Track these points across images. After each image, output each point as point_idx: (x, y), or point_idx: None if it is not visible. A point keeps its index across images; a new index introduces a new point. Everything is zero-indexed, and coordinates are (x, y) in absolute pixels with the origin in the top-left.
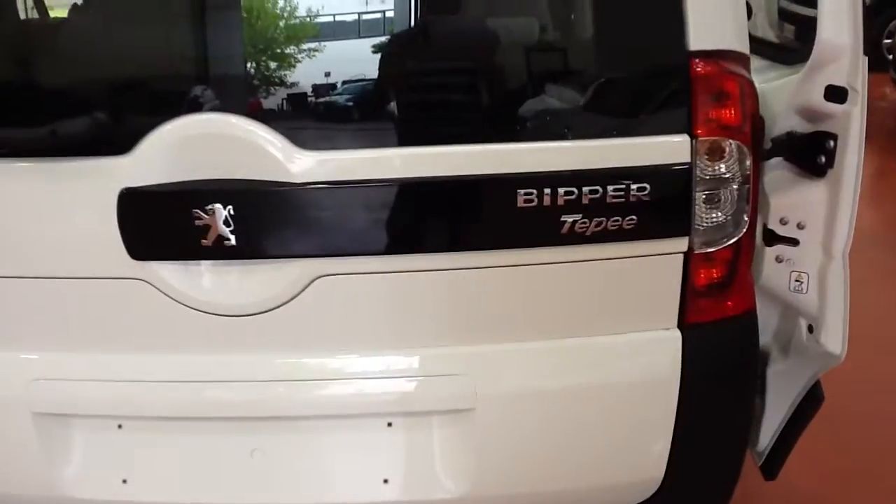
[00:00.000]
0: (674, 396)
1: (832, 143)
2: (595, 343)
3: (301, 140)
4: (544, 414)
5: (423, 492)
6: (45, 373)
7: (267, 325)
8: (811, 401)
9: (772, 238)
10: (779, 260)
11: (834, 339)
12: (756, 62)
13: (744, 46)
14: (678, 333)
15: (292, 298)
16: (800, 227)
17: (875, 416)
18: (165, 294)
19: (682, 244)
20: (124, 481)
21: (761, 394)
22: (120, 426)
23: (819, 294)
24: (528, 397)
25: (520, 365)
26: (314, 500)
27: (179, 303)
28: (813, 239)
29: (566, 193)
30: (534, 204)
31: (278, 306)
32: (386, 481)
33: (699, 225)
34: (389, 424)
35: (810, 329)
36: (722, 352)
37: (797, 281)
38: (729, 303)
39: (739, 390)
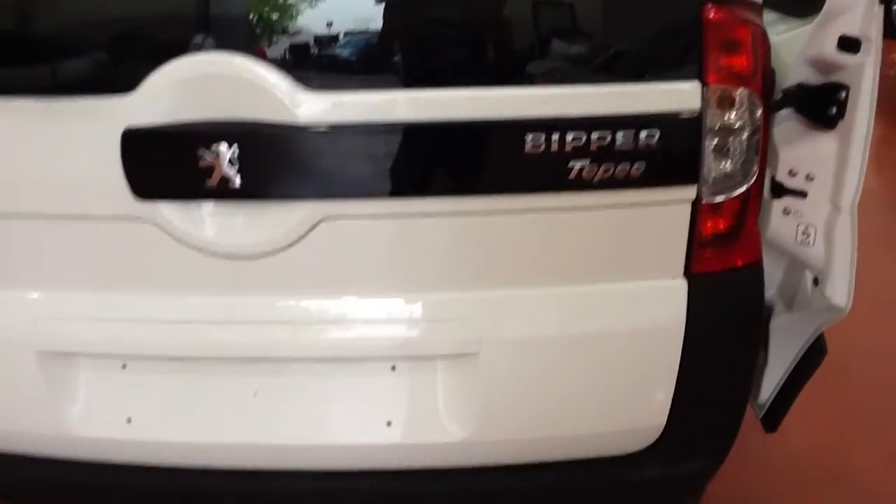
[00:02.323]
0: (678, 345)
1: (844, 94)
2: (600, 290)
3: (306, 81)
4: (548, 360)
5: (426, 435)
6: (50, 312)
7: (271, 267)
8: (814, 354)
9: (780, 190)
10: (786, 212)
11: (839, 292)
12: (767, 15)
13: None
14: (684, 283)
15: (296, 241)
16: (808, 179)
17: (877, 379)
18: (169, 234)
19: (690, 192)
20: (129, 420)
21: (764, 347)
22: (124, 366)
23: (826, 247)
24: (533, 343)
25: (524, 311)
26: (316, 442)
27: (183, 243)
28: (821, 191)
29: (574, 139)
30: (541, 149)
31: (282, 249)
32: (389, 424)
33: (708, 174)
34: (393, 368)
35: (815, 282)
36: (727, 302)
37: (804, 234)
38: (735, 253)
39: (743, 341)
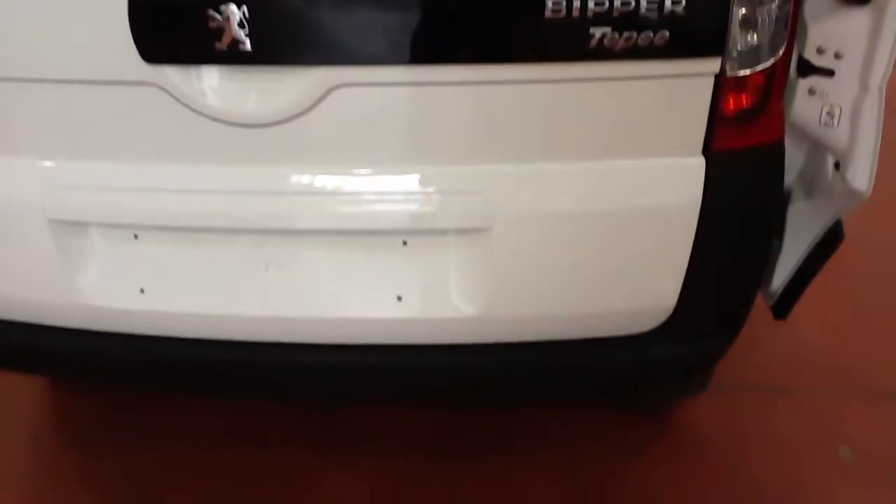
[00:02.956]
0: (692, 225)
1: None
2: (616, 167)
3: None
4: (561, 237)
5: (437, 310)
6: (60, 179)
7: (283, 136)
8: (831, 239)
9: (806, 69)
10: (811, 92)
11: (861, 175)
12: None
13: None
14: (702, 160)
15: (309, 109)
16: (837, 56)
17: (889, 275)
18: (179, 100)
19: (714, 65)
20: (142, 291)
21: (779, 234)
22: (136, 236)
23: (850, 128)
24: (546, 219)
25: (539, 186)
26: (327, 315)
27: (193, 110)
28: (850, 70)
29: (597, 4)
30: (562, 14)
31: (294, 117)
32: (399, 299)
33: (734, 45)
34: (405, 243)
35: (837, 166)
36: (746, 181)
37: (828, 114)
38: (757, 132)
39: (760, 222)
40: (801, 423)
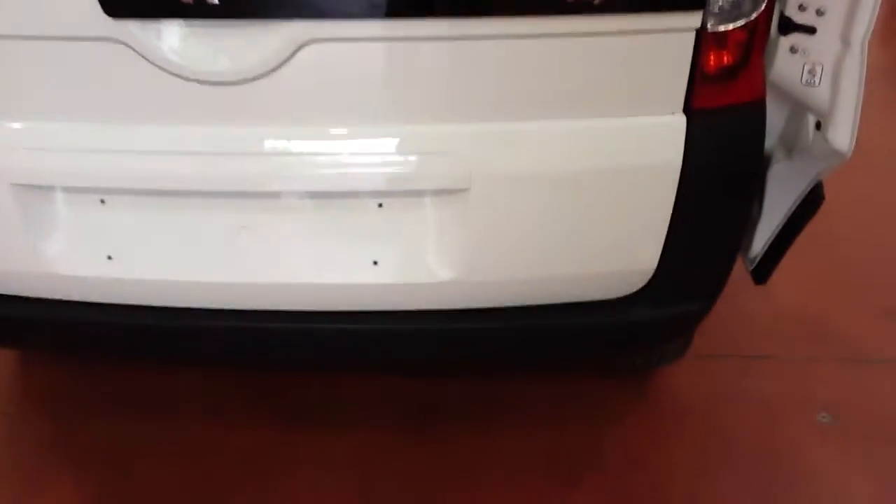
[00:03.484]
0: (674, 185)
1: None
2: (596, 125)
3: None
4: (540, 198)
5: (413, 275)
6: (24, 142)
7: (252, 94)
8: (812, 200)
9: (788, 26)
10: (793, 50)
11: (842, 135)
12: None
13: None
14: (683, 119)
15: (279, 66)
16: (819, 13)
17: (864, 243)
18: (144, 57)
19: (695, 20)
20: (109, 258)
21: (759, 199)
22: (103, 201)
23: (832, 86)
24: (526, 179)
25: (517, 145)
26: (301, 280)
27: (159, 67)
28: (832, 27)
29: None
30: None
31: (264, 74)
32: (375, 263)
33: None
34: (380, 205)
35: (818, 126)
36: (728, 141)
37: (810, 73)
38: (739, 89)
39: (742, 182)
40: (779, 389)
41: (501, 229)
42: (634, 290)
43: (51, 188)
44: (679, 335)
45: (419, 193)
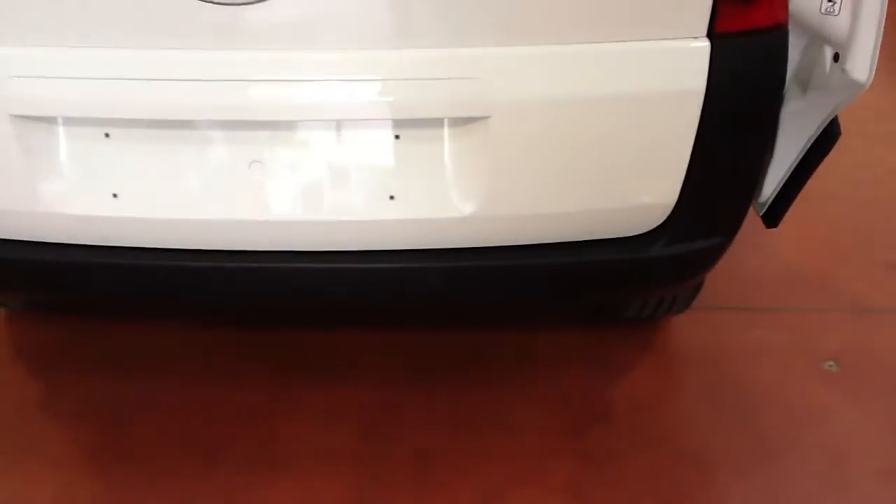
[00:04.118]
0: (697, 112)
1: None
2: (620, 49)
3: None
4: (562, 126)
5: (432, 209)
6: (22, 70)
7: (265, 16)
8: (828, 136)
9: None
10: None
11: (862, 65)
12: None
13: None
14: (707, 43)
15: None
16: None
17: (865, 200)
18: None
19: None
20: (115, 195)
21: (771, 142)
22: (107, 135)
23: (852, 14)
24: (547, 105)
25: (538, 70)
26: (314, 217)
27: None
28: None
29: None
30: None
31: None
32: (392, 198)
33: None
34: (397, 137)
35: (836, 58)
36: (751, 66)
37: (830, 1)
38: (762, 13)
39: (764, 111)
40: (785, 339)
41: (524, 159)
42: (655, 225)
43: (53, 120)
44: (700, 272)
45: (438, 123)
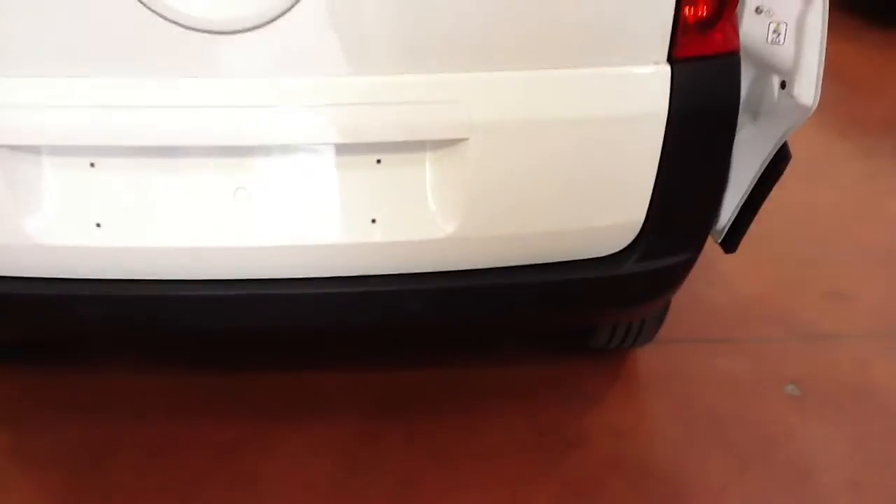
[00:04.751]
0: (660, 133)
1: None
2: (589, 74)
3: None
4: (536, 147)
5: (413, 232)
6: (6, 99)
7: (249, 43)
8: (780, 160)
9: None
10: (758, 11)
11: (807, 90)
12: None
13: None
14: (668, 68)
15: (278, 16)
16: None
17: (805, 238)
18: (141, 2)
19: None
20: (98, 225)
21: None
22: (92, 164)
23: (796, 43)
24: (521, 127)
25: (514, 94)
26: (299, 242)
27: (155, 12)
28: None
29: None
30: None
31: (263, 24)
32: (374, 221)
33: None
34: (378, 161)
35: (783, 85)
36: (709, 88)
37: (775, 32)
38: (716, 40)
39: (723, 130)
40: (747, 366)
41: (501, 179)
42: (627, 243)
43: (38, 150)
44: (670, 288)
45: (419, 147)
